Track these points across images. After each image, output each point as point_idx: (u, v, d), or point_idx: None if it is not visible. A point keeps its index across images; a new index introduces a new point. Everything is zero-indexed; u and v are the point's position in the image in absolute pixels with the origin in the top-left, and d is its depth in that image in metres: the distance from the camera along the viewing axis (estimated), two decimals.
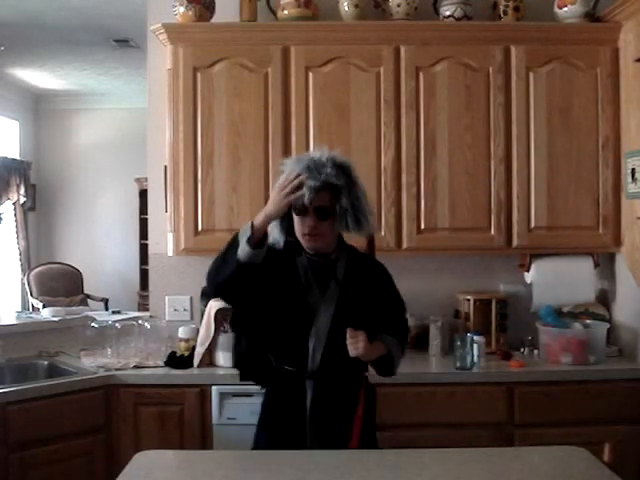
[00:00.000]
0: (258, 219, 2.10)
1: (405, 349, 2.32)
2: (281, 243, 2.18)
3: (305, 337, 2.17)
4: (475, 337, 2.97)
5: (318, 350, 2.17)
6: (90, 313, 3.69)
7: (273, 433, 2.21)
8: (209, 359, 3.01)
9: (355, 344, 2.09)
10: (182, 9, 3.15)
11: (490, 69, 3.15)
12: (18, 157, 7.70)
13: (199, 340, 3.02)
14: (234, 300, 2.26)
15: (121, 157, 7.99)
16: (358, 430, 2.15)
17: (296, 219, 2.15)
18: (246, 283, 2.11)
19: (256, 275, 2.10)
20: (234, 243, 2.11)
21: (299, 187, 2.07)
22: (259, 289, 2.15)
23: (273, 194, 2.12)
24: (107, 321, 3.35)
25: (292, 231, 2.19)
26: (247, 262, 2.06)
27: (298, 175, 2.08)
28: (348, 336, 2.09)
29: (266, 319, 2.22)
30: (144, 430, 2.87)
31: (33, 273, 7.13)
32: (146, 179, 3.65)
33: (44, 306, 5.71)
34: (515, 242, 3.17)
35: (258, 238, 2.08)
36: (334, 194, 2.10)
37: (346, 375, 2.21)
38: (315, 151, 2.17)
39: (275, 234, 2.17)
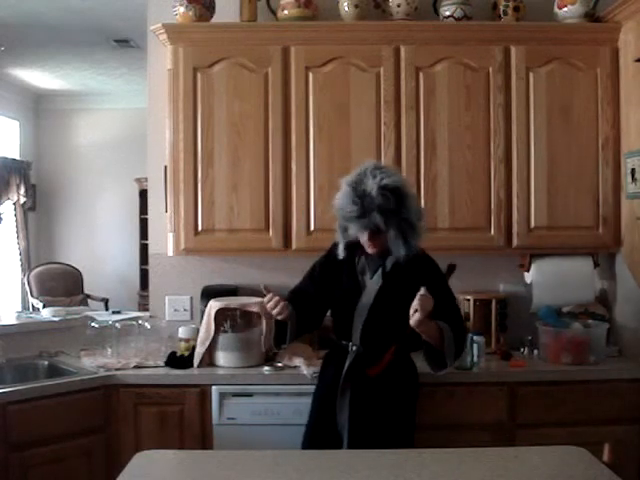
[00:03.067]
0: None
1: (462, 344, 2.53)
2: (341, 256, 2.51)
3: (352, 312, 2.51)
4: (475, 337, 2.96)
5: (359, 324, 2.49)
6: (90, 313, 3.69)
7: (319, 388, 2.62)
8: (209, 359, 3.01)
9: (423, 305, 2.28)
10: (182, 9, 3.15)
11: (490, 69, 3.15)
12: (18, 157, 7.70)
13: (199, 340, 3.02)
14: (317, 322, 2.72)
15: (121, 157, 7.99)
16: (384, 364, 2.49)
17: None
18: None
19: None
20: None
21: (281, 308, 2.46)
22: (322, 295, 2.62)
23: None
24: (107, 321, 3.35)
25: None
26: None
27: (275, 298, 2.46)
28: (419, 296, 2.29)
29: (329, 301, 2.61)
30: (144, 430, 2.87)
31: (33, 273, 7.14)
32: (146, 179, 3.65)
33: (44, 306, 5.71)
34: (515, 242, 3.17)
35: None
36: (387, 216, 2.35)
37: (378, 348, 2.49)
38: (368, 176, 2.36)
39: (339, 249, 2.51)
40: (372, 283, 2.51)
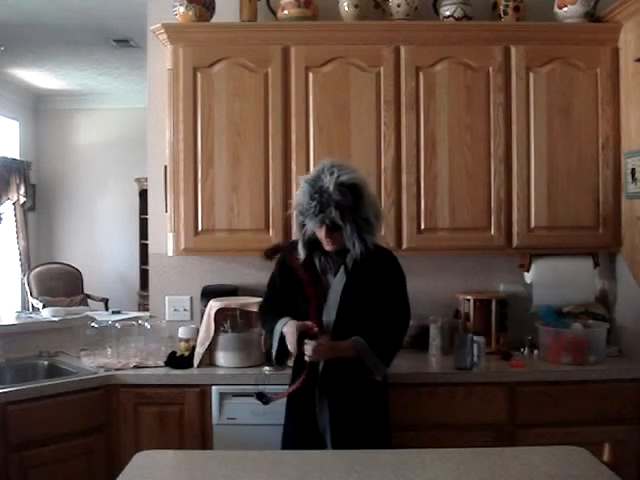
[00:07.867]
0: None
1: (393, 346, 2.55)
2: (302, 257, 2.50)
3: (320, 314, 2.47)
4: (475, 337, 2.96)
5: (329, 324, 2.47)
6: (90, 313, 3.69)
7: (293, 399, 2.54)
8: (209, 359, 3.01)
9: (309, 351, 2.41)
10: (182, 9, 3.15)
11: (490, 69, 3.15)
12: (18, 157, 7.70)
13: (199, 340, 3.02)
14: None
15: (121, 157, 7.99)
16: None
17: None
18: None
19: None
20: (269, 330, 2.60)
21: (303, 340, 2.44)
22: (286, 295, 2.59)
23: (287, 338, 2.48)
24: (107, 321, 3.36)
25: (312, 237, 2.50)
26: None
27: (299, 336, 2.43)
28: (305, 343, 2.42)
29: (291, 306, 2.55)
30: (144, 430, 2.87)
31: (33, 273, 7.13)
32: (146, 179, 3.65)
33: (44, 306, 5.70)
34: (515, 242, 3.17)
35: None
36: (343, 212, 2.36)
37: None
38: (326, 173, 2.38)
39: (299, 247, 2.51)
40: (336, 282, 2.50)
